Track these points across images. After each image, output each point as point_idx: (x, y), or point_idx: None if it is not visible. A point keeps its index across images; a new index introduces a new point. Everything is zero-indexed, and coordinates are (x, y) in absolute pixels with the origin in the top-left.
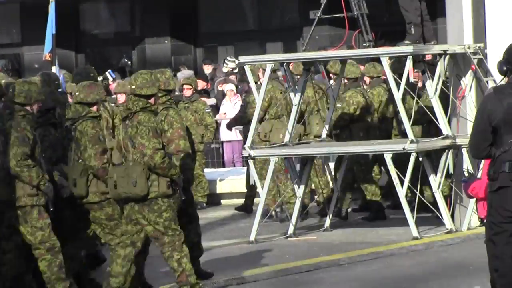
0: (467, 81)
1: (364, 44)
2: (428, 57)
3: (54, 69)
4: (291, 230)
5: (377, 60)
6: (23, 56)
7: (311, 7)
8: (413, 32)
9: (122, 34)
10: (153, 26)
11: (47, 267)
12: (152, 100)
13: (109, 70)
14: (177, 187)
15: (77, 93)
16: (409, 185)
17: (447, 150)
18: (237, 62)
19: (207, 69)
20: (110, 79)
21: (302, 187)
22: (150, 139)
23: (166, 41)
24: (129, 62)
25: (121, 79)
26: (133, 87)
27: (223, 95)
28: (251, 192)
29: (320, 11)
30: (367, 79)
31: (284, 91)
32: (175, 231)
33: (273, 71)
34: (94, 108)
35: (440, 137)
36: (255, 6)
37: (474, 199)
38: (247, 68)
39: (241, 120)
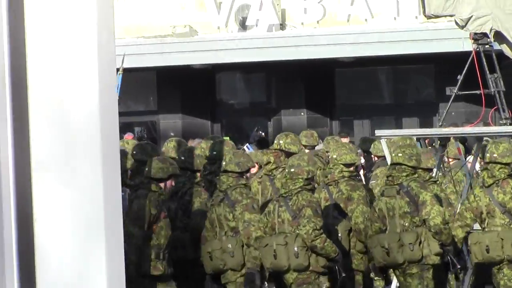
0: None
1: (501, 122)
2: None
3: None
4: None
5: None
6: (159, 124)
7: (447, 83)
8: None
9: (258, 104)
10: (289, 98)
11: None
12: None
13: (247, 144)
14: None
15: None
16: None
17: None
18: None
19: None
20: (247, 151)
21: None
22: None
23: (302, 113)
24: (263, 134)
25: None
26: (495, 155)
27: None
28: None
29: (456, 88)
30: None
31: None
32: None
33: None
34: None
35: None
36: (391, 81)
37: None
38: (383, 142)
39: None
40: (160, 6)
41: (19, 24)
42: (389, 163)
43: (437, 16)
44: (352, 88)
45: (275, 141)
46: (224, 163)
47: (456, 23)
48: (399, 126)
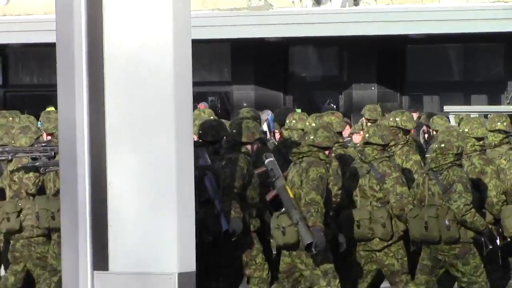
0: None
1: None
2: None
3: None
4: None
5: None
6: (232, 95)
7: None
8: None
9: (330, 78)
10: (361, 72)
11: None
12: None
13: None
14: None
15: None
16: None
17: None
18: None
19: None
20: None
21: None
22: None
23: (373, 88)
24: (334, 107)
25: None
26: None
27: None
28: None
29: None
30: None
31: None
32: None
33: None
34: None
35: None
36: (461, 59)
37: None
38: (451, 118)
39: None
40: None
41: None
42: None
43: None
44: (423, 64)
45: (391, 119)
46: (367, 135)
47: None
48: (467, 102)
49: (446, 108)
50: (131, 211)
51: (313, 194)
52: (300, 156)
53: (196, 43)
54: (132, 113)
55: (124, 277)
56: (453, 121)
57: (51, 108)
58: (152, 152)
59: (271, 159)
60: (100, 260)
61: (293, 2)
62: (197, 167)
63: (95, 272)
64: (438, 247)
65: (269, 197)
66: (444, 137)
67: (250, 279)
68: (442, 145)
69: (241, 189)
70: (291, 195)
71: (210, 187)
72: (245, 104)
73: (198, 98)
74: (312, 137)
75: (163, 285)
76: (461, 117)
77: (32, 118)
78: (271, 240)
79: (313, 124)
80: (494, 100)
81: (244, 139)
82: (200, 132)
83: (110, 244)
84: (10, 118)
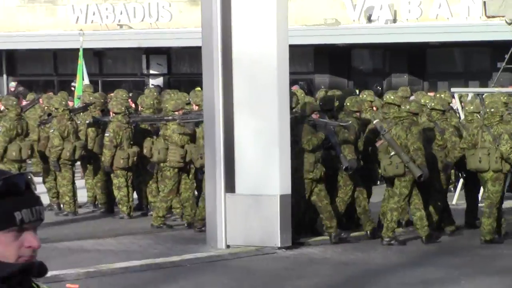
0: None
1: None
2: None
3: None
4: None
5: None
6: (314, 80)
7: (498, 59)
8: None
9: (377, 69)
10: (397, 66)
11: None
12: None
13: None
14: None
15: None
16: None
17: None
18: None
19: None
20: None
21: None
22: None
23: (405, 76)
24: (379, 88)
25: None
26: None
27: None
28: None
29: (504, 62)
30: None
31: None
32: None
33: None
34: None
35: None
36: (463, 57)
37: None
38: (456, 96)
39: None
40: (317, 5)
41: (228, 16)
42: (460, 112)
43: (493, 16)
44: (438, 61)
45: (438, 95)
46: (432, 104)
47: (506, 21)
48: (466, 86)
49: (453, 89)
50: (249, 154)
51: (418, 144)
52: (401, 118)
53: (291, 47)
54: (250, 93)
55: (245, 197)
56: (457, 98)
57: (198, 88)
58: (263, 117)
59: (378, 119)
60: (230, 186)
61: (353, 20)
62: (321, 124)
63: (226, 194)
64: (486, 174)
65: (377, 144)
66: (493, 105)
67: (336, 198)
68: (492, 109)
69: (354, 140)
70: (399, 144)
71: (331, 137)
72: (322, 87)
73: (292, 82)
74: (408, 106)
75: (270, 203)
76: (461, 95)
77: (185, 94)
78: None
79: (392, 97)
80: (484, 84)
81: (354, 108)
82: (321, 103)
83: (236, 176)
84: (172, 94)
